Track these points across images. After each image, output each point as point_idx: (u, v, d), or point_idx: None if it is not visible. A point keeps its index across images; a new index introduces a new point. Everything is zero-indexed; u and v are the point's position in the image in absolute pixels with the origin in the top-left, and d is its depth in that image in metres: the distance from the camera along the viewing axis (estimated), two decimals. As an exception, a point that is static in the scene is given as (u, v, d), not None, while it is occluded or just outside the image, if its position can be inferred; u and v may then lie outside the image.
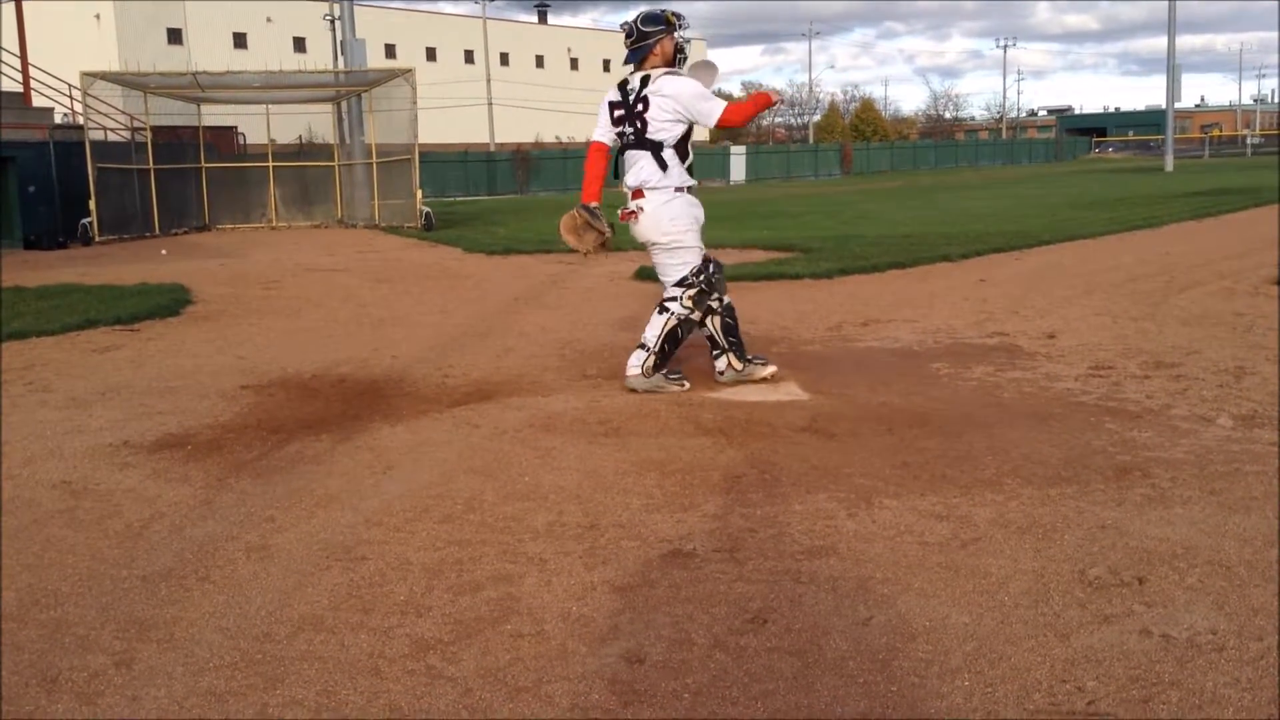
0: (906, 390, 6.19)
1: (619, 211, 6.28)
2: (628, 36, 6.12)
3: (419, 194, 22.14)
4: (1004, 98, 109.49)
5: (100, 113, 21.25)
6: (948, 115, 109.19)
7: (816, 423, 5.45)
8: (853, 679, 2.85)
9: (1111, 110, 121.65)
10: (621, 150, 6.22)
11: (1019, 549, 3.68)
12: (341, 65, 27.19)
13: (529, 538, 3.95)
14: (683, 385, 6.26)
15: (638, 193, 6.15)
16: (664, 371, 6.27)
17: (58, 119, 23.82)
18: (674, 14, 6.09)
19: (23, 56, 22.80)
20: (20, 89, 23.02)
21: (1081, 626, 3.09)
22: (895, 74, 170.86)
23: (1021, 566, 3.53)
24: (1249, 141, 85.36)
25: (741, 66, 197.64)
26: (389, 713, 2.76)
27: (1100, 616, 3.15)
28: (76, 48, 52.71)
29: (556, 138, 73.79)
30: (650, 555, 3.74)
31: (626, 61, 6.15)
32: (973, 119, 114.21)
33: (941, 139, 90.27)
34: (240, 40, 63.25)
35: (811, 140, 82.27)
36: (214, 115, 24.80)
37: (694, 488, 4.47)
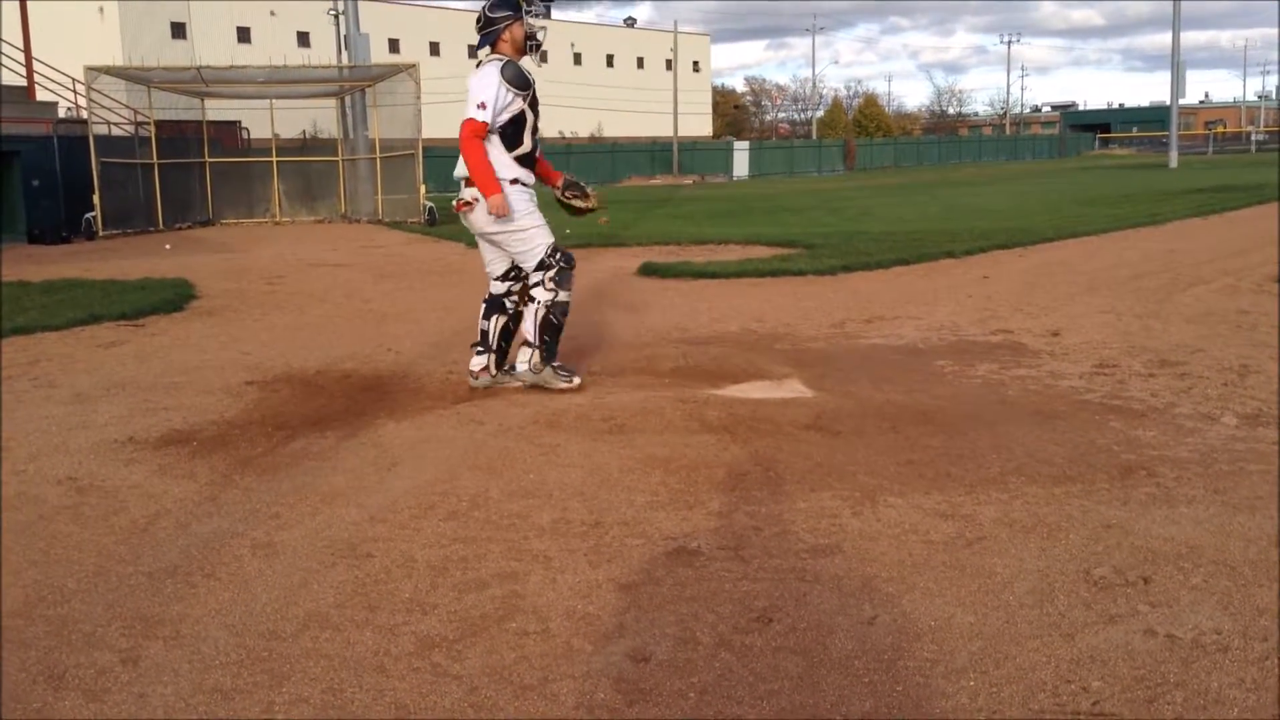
0: (910, 387, 6.19)
1: (453, 202, 6.16)
2: (477, 22, 6.03)
3: (423, 189, 22.13)
4: (1008, 94, 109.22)
5: (104, 107, 21.25)
6: (951, 111, 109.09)
7: (821, 420, 5.45)
8: (858, 678, 2.86)
9: (1115, 106, 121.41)
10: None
11: (1024, 548, 3.69)
12: (345, 60, 27.19)
13: (534, 535, 3.95)
14: (571, 381, 6.17)
15: (468, 181, 5.97)
16: (554, 365, 6.18)
17: (61, 113, 23.83)
18: (528, 0, 5.97)
19: (26, 50, 22.80)
20: (24, 83, 23.02)
21: (1087, 626, 3.10)
22: (899, 69, 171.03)
23: (1026, 566, 3.53)
24: (1253, 138, 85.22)
25: (746, 61, 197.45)
26: (394, 711, 2.76)
27: (1105, 616, 3.16)
28: (80, 42, 52.65)
29: (560, 133, 73.71)
30: (655, 553, 3.74)
31: (478, 46, 6.02)
32: (976, 115, 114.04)
33: (945, 135, 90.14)
34: (244, 35, 63.17)
35: (815, 136, 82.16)
36: (218, 110, 24.78)
37: (698, 485, 4.47)
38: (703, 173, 56.52)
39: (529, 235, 6.05)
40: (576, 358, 7.28)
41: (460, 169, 6.01)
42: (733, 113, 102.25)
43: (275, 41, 58.29)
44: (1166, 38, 48.38)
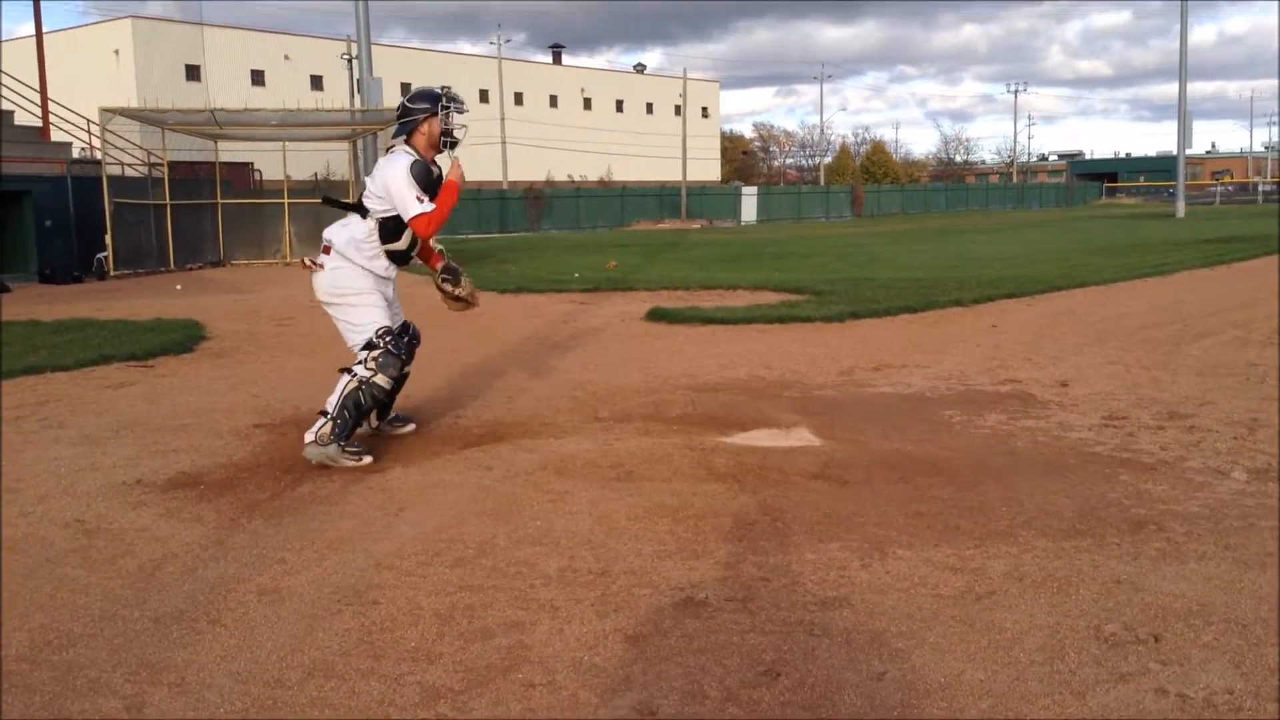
0: (919, 437, 6.18)
1: (303, 260, 6.18)
2: (397, 110, 6.02)
3: (432, 232, 22.21)
4: (1015, 142, 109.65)
5: (118, 148, 21.46)
6: (958, 159, 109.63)
7: (829, 469, 5.44)
8: (867, 735, 2.83)
9: (1122, 156, 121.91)
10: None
11: (1034, 603, 3.66)
12: (358, 103, 27.43)
13: (540, 583, 3.94)
14: (359, 460, 5.71)
15: (326, 248, 5.92)
16: (343, 443, 5.71)
17: (75, 154, 24.06)
18: (449, 97, 5.91)
19: (42, 91, 23.07)
20: (39, 123, 23.26)
21: (1097, 684, 3.07)
22: (906, 117, 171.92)
23: (1037, 621, 3.51)
24: (1260, 189, 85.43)
25: (755, 107, 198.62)
26: (400, 763, 2.74)
27: (1116, 674, 3.13)
28: (95, 83, 53.32)
29: (569, 176, 74.25)
30: (662, 603, 3.73)
31: (394, 135, 5.97)
32: (983, 162, 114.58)
33: (952, 182, 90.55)
34: (258, 77, 63.85)
35: (822, 182, 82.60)
36: (230, 151, 25.00)
37: (706, 534, 4.46)
38: (711, 217, 56.81)
39: (360, 313, 5.88)
40: (584, 402, 7.29)
41: (331, 230, 5.96)
42: (741, 158, 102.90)
43: (289, 85, 58.94)
44: (1173, 88, 48.67)
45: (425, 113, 5.86)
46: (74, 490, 5.27)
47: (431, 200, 5.76)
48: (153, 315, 12.70)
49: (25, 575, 4.09)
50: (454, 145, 5.98)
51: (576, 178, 73.53)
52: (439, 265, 6.26)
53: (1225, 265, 18.49)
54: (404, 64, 68.15)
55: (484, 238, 41.17)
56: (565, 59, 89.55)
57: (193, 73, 60.68)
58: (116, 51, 60.56)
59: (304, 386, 8.11)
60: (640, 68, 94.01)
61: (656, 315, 12.08)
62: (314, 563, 4.19)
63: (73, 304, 14.80)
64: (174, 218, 22.03)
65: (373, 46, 25.99)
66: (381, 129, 23.41)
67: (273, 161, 25.05)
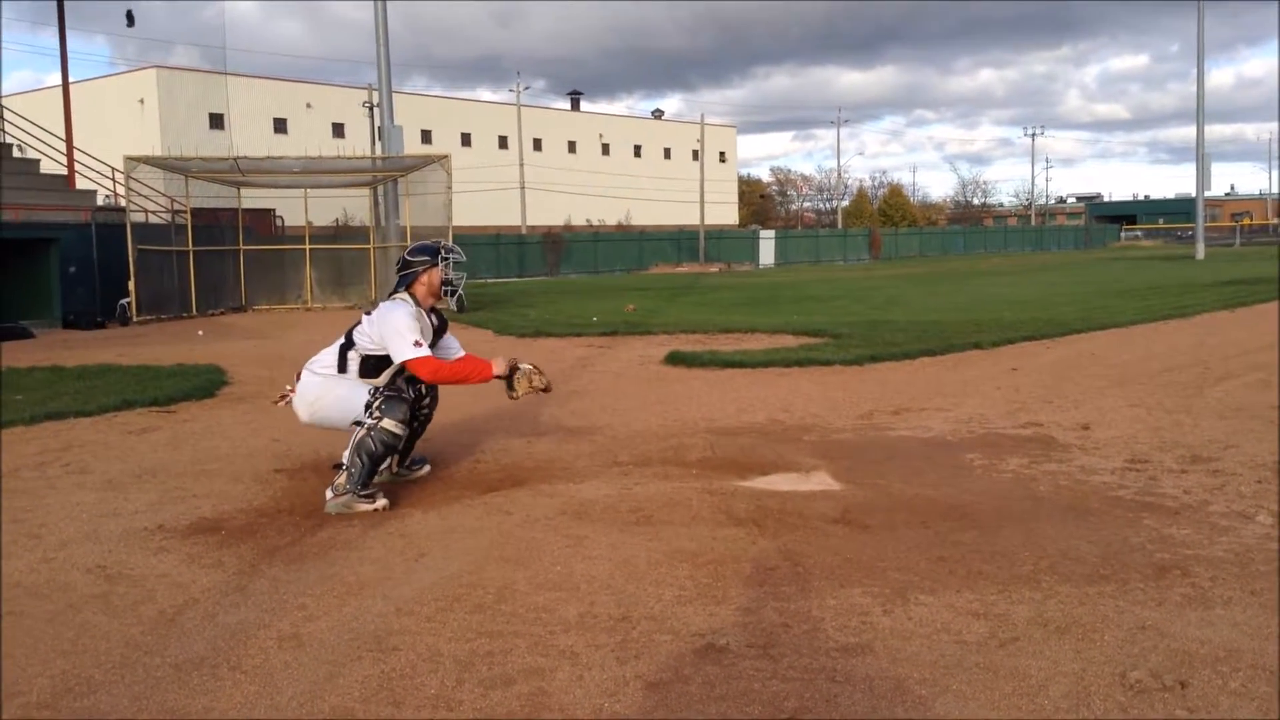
0: (940, 481, 6.15)
1: (275, 399, 6.44)
2: (397, 264, 6.24)
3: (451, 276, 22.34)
4: (1033, 185, 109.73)
5: (141, 195, 21.71)
6: (976, 201, 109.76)
7: (849, 514, 5.42)
8: (891, 784, 2.80)
9: (1141, 198, 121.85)
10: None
11: (1058, 650, 3.63)
12: (379, 150, 27.71)
13: (560, 630, 3.93)
14: (373, 504, 5.74)
15: (299, 374, 6.15)
16: (358, 489, 5.77)
17: (100, 201, 24.37)
18: (445, 248, 6.21)
19: (68, 140, 23.42)
20: (65, 171, 23.59)
21: (1124, 732, 3.03)
22: (924, 160, 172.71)
23: (1061, 668, 3.47)
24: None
25: (773, 152, 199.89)
26: (420, 811, 2.72)
27: (1143, 722, 3.09)
28: (120, 132, 54.08)
29: (587, 220, 74.68)
30: (683, 650, 3.71)
31: (395, 289, 6.16)
32: (1001, 205, 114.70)
33: (970, 225, 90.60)
34: (280, 125, 64.62)
35: (840, 225, 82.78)
36: (253, 198, 25.25)
37: (727, 580, 4.44)
38: (728, 261, 56.93)
39: (344, 398, 5.97)
40: (603, 447, 7.29)
41: (314, 360, 6.15)
42: (758, 202, 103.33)
43: (310, 132, 59.56)
44: (1192, 131, 48.72)
45: (425, 264, 6.13)
46: (96, 535, 5.29)
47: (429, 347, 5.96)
48: (175, 361, 12.79)
49: (47, 621, 4.11)
50: (454, 293, 6.18)
51: (595, 222, 73.91)
52: (497, 375, 6.20)
53: (1246, 307, 18.40)
54: (424, 111, 68.98)
55: (502, 282, 41.36)
56: (584, 105, 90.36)
57: (216, 121, 61.46)
58: (141, 100, 61.47)
59: (324, 432, 8.11)
60: (658, 113, 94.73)
61: (675, 359, 12.09)
62: (334, 609, 4.19)
63: (96, 350, 14.92)
64: (196, 264, 22.24)
65: (394, 94, 26.29)
66: (402, 175, 23.69)
67: (294, 207, 25.31)
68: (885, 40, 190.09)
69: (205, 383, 10.65)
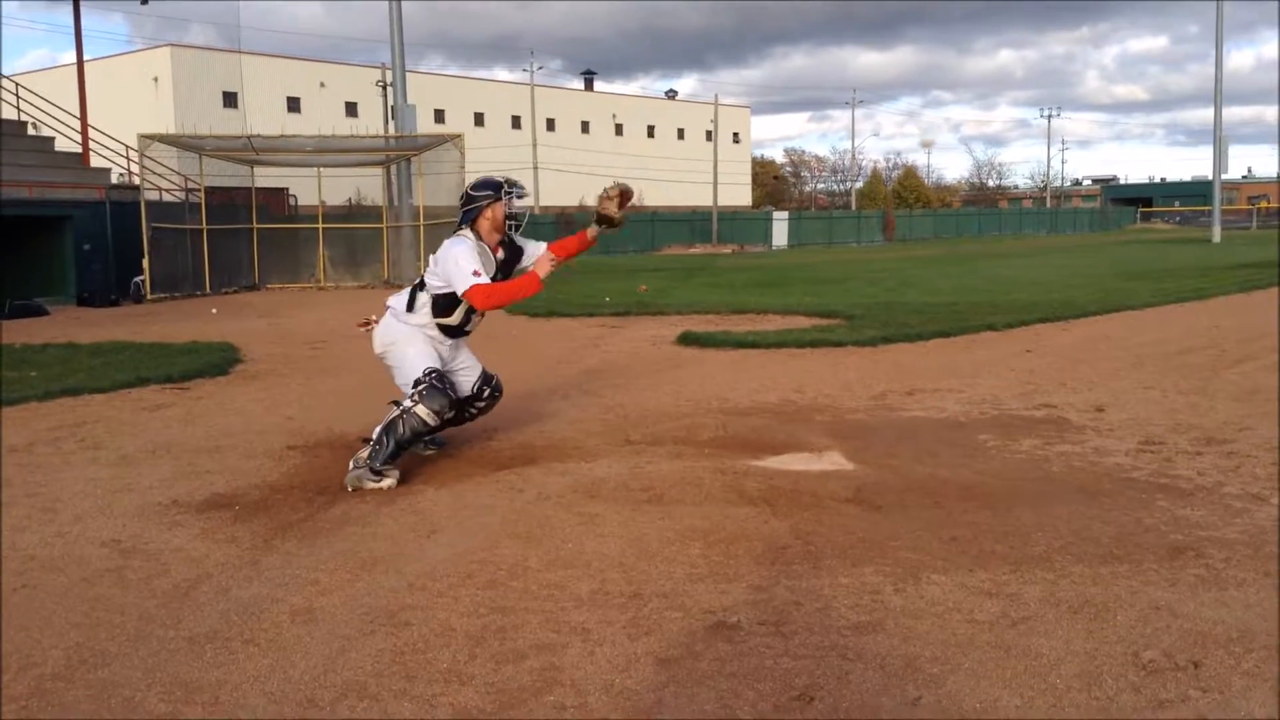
0: (953, 462, 6.14)
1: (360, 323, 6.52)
2: (460, 199, 6.26)
3: (464, 256, 22.33)
4: (1048, 167, 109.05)
5: (156, 173, 21.75)
6: (991, 183, 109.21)
7: (862, 494, 5.41)
8: (901, 761, 2.80)
9: (1157, 180, 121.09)
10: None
11: (1071, 629, 3.62)
12: (392, 130, 27.68)
13: (572, 606, 3.93)
14: (379, 482, 5.71)
15: (384, 309, 6.34)
16: (375, 464, 5.75)
17: (114, 179, 24.41)
18: (510, 183, 6.20)
19: (83, 118, 23.44)
20: (79, 150, 23.63)
21: (1136, 712, 3.03)
22: (939, 142, 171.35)
23: (1074, 648, 3.46)
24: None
25: (788, 132, 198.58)
26: (432, 784, 2.74)
27: (1155, 701, 3.09)
28: (134, 110, 54.09)
29: (600, 201, 74.47)
30: (694, 626, 3.71)
31: (460, 224, 6.18)
32: (1016, 187, 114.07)
33: (985, 207, 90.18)
34: (294, 104, 64.58)
35: (854, 207, 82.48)
36: (266, 177, 25.28)
37: (738, 558, 4.44)
38: (742, 242, 56.77)
39: (408, 357, 6.08)
40: (616, 425, 7.29)
41: (389, 300, 6.34)
42: (772, 183, 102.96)
43: (324, 111, 59.56)
44: (1210, 113, 48.38)
45: (489, 199, 6.11)
46: (110, 510, 5.32)
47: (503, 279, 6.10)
48: (189, 338, 12.83)
49: (62, 594, 4.13)
50: (518, 227, 6.30)
51: (608, 203, 73.68)
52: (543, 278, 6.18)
53: (1262, 290, 18.30)
54: (438, 91, 68.83)
55: (516, 262, 41.27)
56: (597, 85, 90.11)
57: (230, 100, 61.44)
58: (155, 79, 61.49)
59: (337, 409, 8.16)
60: (672, 94, 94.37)
61: (688, 339, 12.08)
62: (347, 584, 4.21)
63: (110, 327, 14.98)
64: (210, 242, 22.29)
65: (407, 74, 26.25)
66: (415, 154, 23.68)
67: (308, 187, 25.33)
68: (904, 20, 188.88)
69: (219, 360, 10.70)
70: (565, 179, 72.58)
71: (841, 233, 63.65)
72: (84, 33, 24.09)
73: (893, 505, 5.21)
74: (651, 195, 77.46)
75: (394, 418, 5.84)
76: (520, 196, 6.23)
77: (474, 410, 6.53)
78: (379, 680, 3.33)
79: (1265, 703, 3.06)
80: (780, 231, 60.01)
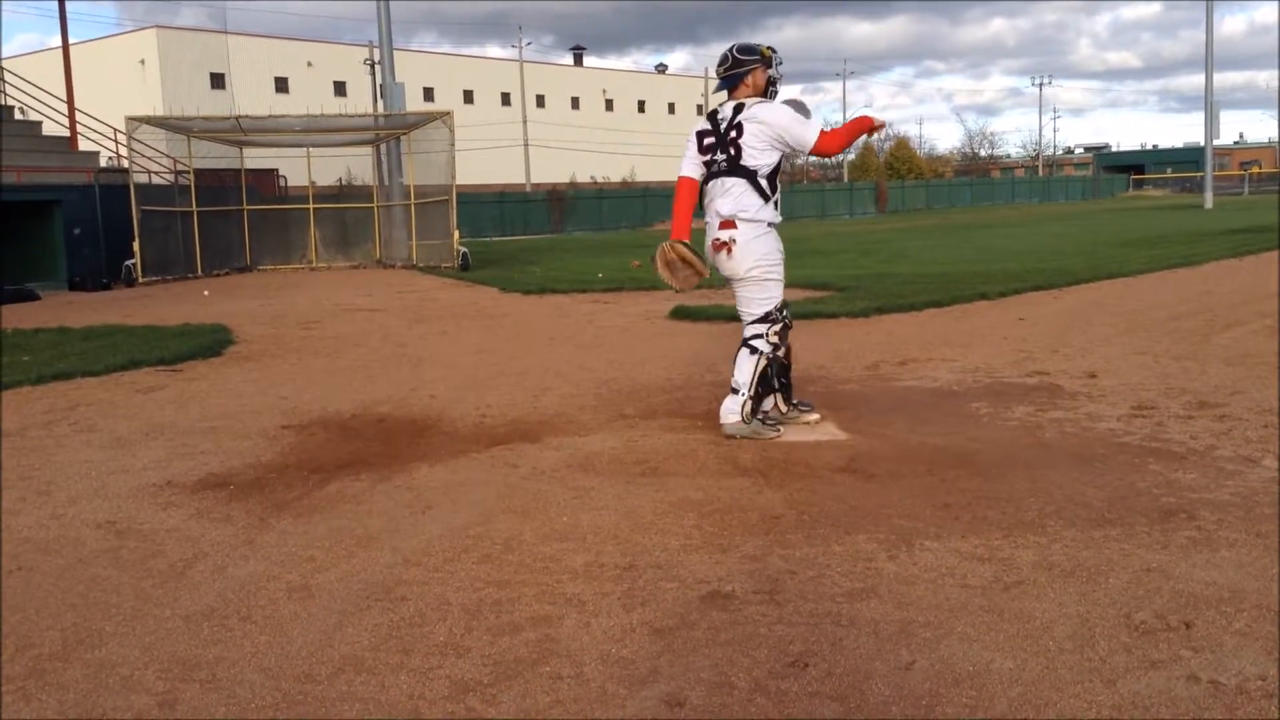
0: (946, 430, 6.16)
1: (710, 241, 6.11)
2: (722, 64, 6.09)
3: (456, 234, 22.34)
4: (1040, 135, 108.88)
5: (144, 156, 21.64)
6: (983, 153, 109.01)
7: (855, 463, 5.42)
8: (896, 724, 2.82)
9: (1149, 148, 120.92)
10: (708, 180, 6.10)
11: (1063, 592, 3.64)
12: (381, 108, 27.57)
13: (567, 578, 3.95)
14: (778, 431, 6.02)
15: (728, 223, 5.98)
16: (760, 416, 6.04)
17: (103, 162, 24.28)
18: (769, 48, 6.07)
19: (69, 101, 23.29)
20: (67, 133, 23.50)
21: (1128, 672, 3.05)
22: (931, 112, 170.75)
23: (1066, 610, 3.48)
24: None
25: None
26: (429, 755, 2.75)
27: (1147, 662, 3.11)
28: (122, 92, 53.81)
29: (591, 178, 74.29)
30: (689, 596, 3.73)
31: (719, 89, 6.13)
32: (1008, 157, 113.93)
33: (977, 177, 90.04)
34: (281, 84, 64.24)
35: (846, 179, 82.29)
36: (255, 158, 25.18)
37: (732, 528, 4.46)
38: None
39: (772, 285, 6.04)
40: (609, 400, 7.30)
41: (725, 205, 5.99)
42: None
43: (312, 91, 59.22)
44: (1203, 79, 48.24)
45: (756, 63, 6.00)
46: (105, 492, 5.32)
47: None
48: (181, 321, 12.81)
49: (58, 575, 4.14)
50: (776, 94, 6.10)
51: (599, 179, 73.53)
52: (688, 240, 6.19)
53: (1254, 255, 18.33)
54: (426, 68, 68.47)
55: (507, 240, 41.29)
56: (587, 60, 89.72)
57: (217, 81, 61.16)
58: (142, 61, 61.13)
59: (330, 388, 8.16)
60: (662, 68, 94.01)
61: (680, 313, 12.07)
62: (342, 560, 4.22)
63: (102, 311, 14.95)
64: (201, 224, 22.21)
65: (394, 51, 26.11)
66: (404, 133, 23.58)
67: (298, 167, 25.24)
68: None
69: (211, 342, 10.68)
70: (557, 155, 72.40)
71: (834, 205, 63.52)
72: (70, 16, 23.89)
73: (886, 474, 5.22)
74: (643, 171, 77.32)
75: (762, 367, 5.99)
76: (779, 62, 6.09)
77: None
78: (376, 654, 3.34)
79: (1256, 661, 3.08)
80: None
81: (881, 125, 6.11)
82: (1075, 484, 4.93)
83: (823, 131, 5.93)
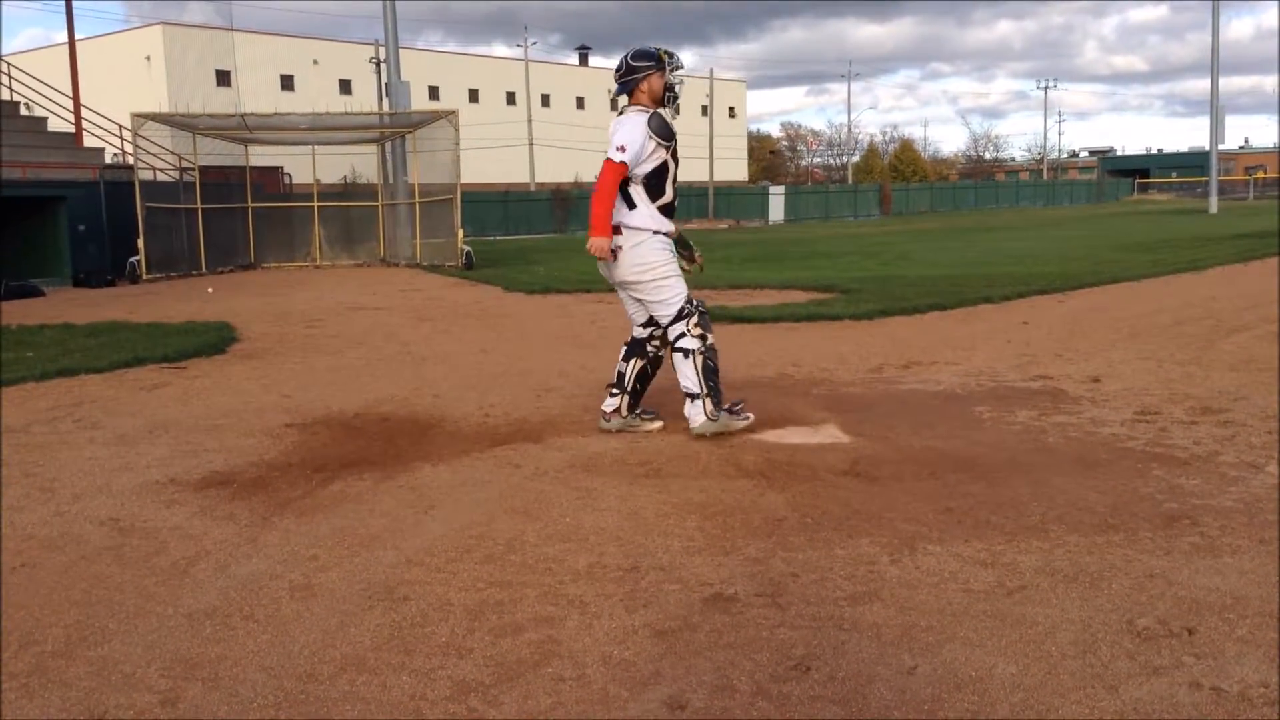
0: (949, 434, 6.15)
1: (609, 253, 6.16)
2: (617, 70, 6.09)
3: (460, 233, 22.34)
4: (1044, 139, 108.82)
5: (150, 153, 21.65)
6: (988, 156, 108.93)
7: (858, 466, 5.42)
8: (897, 729, 2.82)
9: (1154, 152, 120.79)
10: None
11: (1066, 598, 3.64)
12: (386, 107, 27.57)
13: (570, 579, 3.95)
14: (748, 420, 6.18)
15: (616, 230, 6.01)
16: (725, 408, 6.12)
17: (108, 159, 24.31)
18: (667, 53, 6.02)
19: (75, 97, 23.32)
20: (73, 130, 23.53)
21: (1130, 678, 3.05)
22: (936, 115, 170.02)
23: (1069, 616, 3.48)
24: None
25: (786, 107, 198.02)
26: (431, 756, 2.75)
27: (1149, 668, 3.11)
28: (127, 89, 53.81)
29: (596, 177, 74.19)
30: (692, 599, 3.73)
31: (617, 94, 6.14)
32: (1013, 160, 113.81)
33: (982, 180, 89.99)
34: (287, 82, 64.23)
35: (850, 181, 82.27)
36: (261, 155, 25.18)
37: (735, 530, 4.46)
38: (738, 217, 56.68)
39: (667, 285, 6.04)
40: (613, 402, 7.29)
41: (615, 215, 6.02)
42: (768, 158, 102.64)
43: (318, 89, 59.29)
44: (1209, 83, 48.15)
45: (649, 69, 5.97)
46: (108, 489, 5.33)
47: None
48: (185, 318, 12.82)
49: (60, 573, 4.14)
50: (675, 100, 6.09)
51: (604, 178, 73.32)
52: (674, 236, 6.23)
53: (1259, 260, 18.30)
54: (432, 67, 68.45)
55: (511, 239, 41.28)
56: (592, 60, 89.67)
57: (223, 78, 61.12)
58: (148, 58, 61.11)
59: (334, 386, 8.17)
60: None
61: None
62: (345, 559, 4.22)
63: (106, 307, 14.96)
64: (205, 221, 22.22)
65: (400, 50, 26.12)
66: (409, 131, 23.58)
67: (302, 165, 25.23)
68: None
69: (215, 339, 10.69)
70: (561, 155, 72.34)
71: (838, 207, 63.51)
72: (77, 12, 23.93)
73: (889, 477, 5.22)
74: (647, 171, 77.15)
75: (703, 362, 5.97)
76: (677, 68, 6.06)
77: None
78: (378, 654, 3.34)
79: (1259, 668, 3.08)
80: (777, 206, 59.90)
81: (604, 255, 6.00)
82: (1078, 489, 4.93)
83: (609, 162, 5.82)
